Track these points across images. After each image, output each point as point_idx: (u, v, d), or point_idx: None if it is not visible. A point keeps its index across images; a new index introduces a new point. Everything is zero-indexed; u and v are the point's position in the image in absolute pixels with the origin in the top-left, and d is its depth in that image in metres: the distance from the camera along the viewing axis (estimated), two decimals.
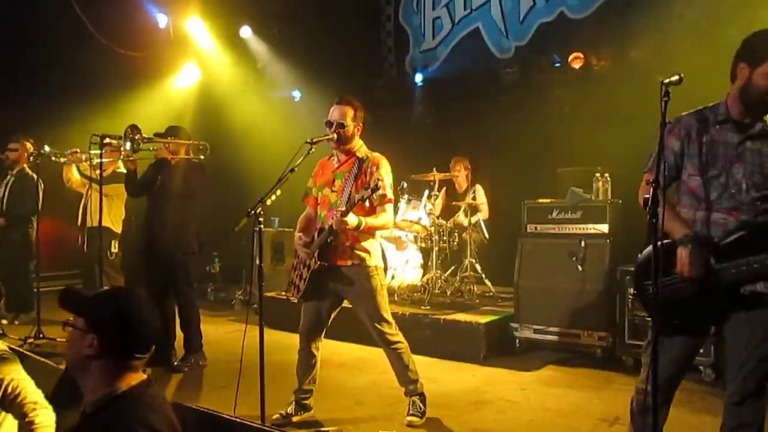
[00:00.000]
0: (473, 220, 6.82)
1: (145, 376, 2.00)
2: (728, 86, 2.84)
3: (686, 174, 2.85)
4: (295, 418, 4.20)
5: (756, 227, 2.70)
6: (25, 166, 6.96)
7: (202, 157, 5.57)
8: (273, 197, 3.61)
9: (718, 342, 4.09)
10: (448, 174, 7.07)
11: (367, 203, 3.93)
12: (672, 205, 2.90)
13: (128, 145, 5.15)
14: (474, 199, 6.92)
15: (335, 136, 4.01)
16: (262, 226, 3.48)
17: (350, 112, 4.05)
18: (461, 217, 6.92)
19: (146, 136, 5.23)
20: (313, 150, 3.76)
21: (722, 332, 2.86)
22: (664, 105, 2.64)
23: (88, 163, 5.64)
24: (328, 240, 3.97)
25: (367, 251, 4.09)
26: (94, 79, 8.26)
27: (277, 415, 4.16)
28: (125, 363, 1.96)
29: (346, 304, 4.26)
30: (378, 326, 4.09)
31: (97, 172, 5.21)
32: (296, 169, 3.64)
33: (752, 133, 2.74)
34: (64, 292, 2.01)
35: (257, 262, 3.46)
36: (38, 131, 7.19)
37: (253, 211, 3.43)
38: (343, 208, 3.86)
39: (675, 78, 2.66)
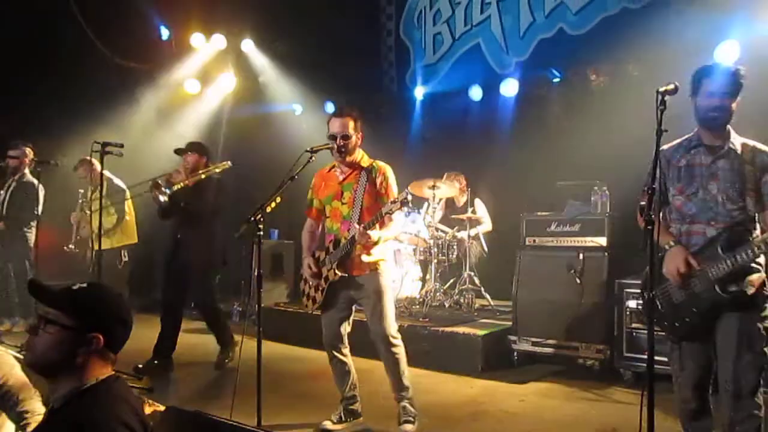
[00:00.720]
0: (472, 233, 6.83)
1: (112, 370, 1.98)
2: None
3: (671, 195, 3.22)
4: (342, 425, 4.24)
5: (731, 233, 3.02)
6: (26, 171, 6.98)
7: (217, 170, 5.76)
8: (273, 204, 3.63)
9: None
10: (447, 185, 7.08)
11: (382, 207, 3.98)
12: (665, 224, 3.27)
13: (162, 198, 5.38)
14: (474, 212, 6.93)
15: (341, 148, 4.05)
16: (261, 232, 3.50)
17: (351, 123, 4.09)
18: (460, 233, 6.91)
19: (166, 186, 5.37)
20: (313, 158, 3.80)
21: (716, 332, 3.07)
22: (660, 113, 2.69)
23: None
24: (347, 251, 4.02)
25: (382, 259, 4.17)
26: (96, 89, 8.32)
27: (327, 422, 4.19)
28: (109, 358, 1.96)
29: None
30: (383, 325, 4.08)
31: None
32: (297, 176, 3.67)
33: (721, 153, 3.10)
34: (39, 287, 1.94)
35: (257, 268, 3.47)
36: (41, 140, 7.23)
37: (253, 218, 3.45)
38: (360, 222, 3.94)
39: (671, 87, 2.72)
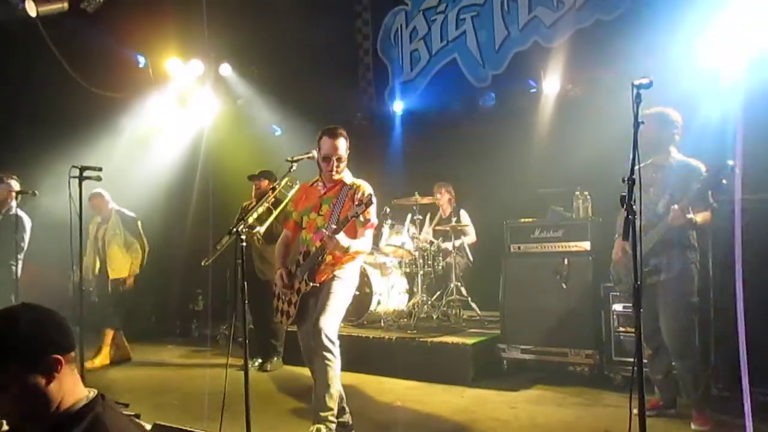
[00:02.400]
0: (457, 243, 6.84)
1: (93, 392, 1.77)
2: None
3: None
4: None
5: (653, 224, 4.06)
6: (12, 204, 6.86)
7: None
8: (255, 215, 3.61)
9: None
10: (431, 198, 7.12)
11: (356, 222, 3.96)
12: None
13: (260, 229, 5.70)
14: (458, 222, 6.95)
15: (335, 169, 4.08)
16: (245, 243, 3.47)
17: (344, 144, 4.14)
18: (445, 244, 6.93)
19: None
20: (294, 168, 3.79)
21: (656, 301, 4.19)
22: (636, 106, 2.72)
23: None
24: (318, 260, 4.00)
25: (346, 270, 4.14)
26: (73, 118, 8.27)
27: None
28: (67, 377, 1.73)
29: None
30: (320, 322, 3.94)
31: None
32: (279, 187, 3.66)
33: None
34: None
35: (241, 278, 3.43)
36: (17, 170, 7.14)
37: (235, 229, 3.42)
38: (334, 226, 3.88)
39: (645, 80, 2.75)
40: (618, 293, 5.13)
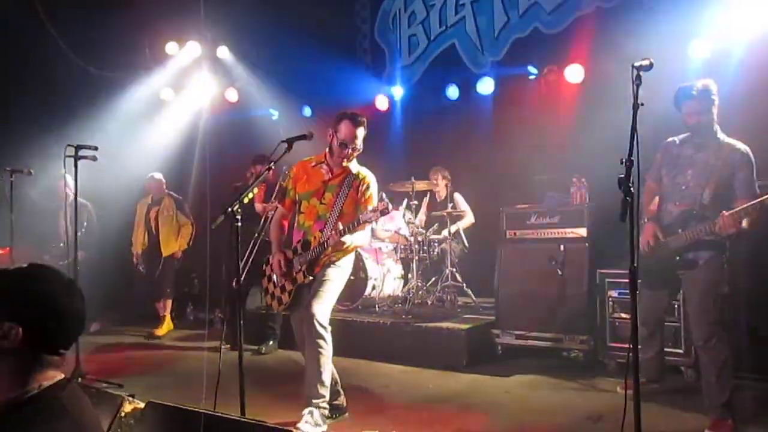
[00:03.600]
0: (452, 229, 6.82)
1: (62, 375, 1.65)
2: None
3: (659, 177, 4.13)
4: (328, 421, 4.05)
5: (693, 213, 3.88)
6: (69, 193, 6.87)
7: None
8: (250, 195, 3.58)
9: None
10: (427, 183, 7.09)
11: (358, 212, 3.99)
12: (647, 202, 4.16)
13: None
14: (454, 207, 6.93)
15: (349, 156, 4.06)
16: (240, 224, 3.44)
17: (362, 132, 4.08)
18: (443, 232, 6.90)
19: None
20: (289, 150, 3.75)
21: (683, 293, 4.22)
22: (636, 88, 2.70)
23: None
24: (318, 254, 4.00)
25: (341, 260, 4.14)
26: (71, 98, 8.22)
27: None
28: (46, 359, 1.61)
29: None
30: (314, 307, 3.94)
31: None
32: (273, 167, 3.63)
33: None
34: None
35: (236, 257, 3.41)
36: (15, 148, 7.11)
37: (230, 209, 3.39)
38: (340, 227, 3.90)
39: (646, 62, 2.73)
40: (615, 280, 5.12)
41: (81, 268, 6.10)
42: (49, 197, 7.28)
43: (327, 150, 4.16)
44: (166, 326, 7.79)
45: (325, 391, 3.98)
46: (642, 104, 2.71)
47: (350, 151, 4.05)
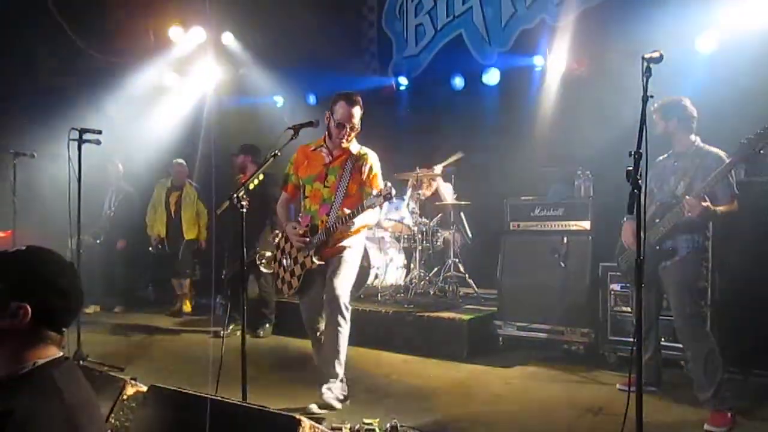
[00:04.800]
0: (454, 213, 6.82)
1: (60, 353, 1.66)
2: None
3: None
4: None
5: (668, 205, 4.07)
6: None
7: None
8: (255, 182, 3.58)
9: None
10: (429, 173, 7.05)
11: (364, 194, 4.03)
12: None
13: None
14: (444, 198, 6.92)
15: (346, 136, 4.04)
16: (245, 210, 3.44)
17: (359, 112, 4.08)
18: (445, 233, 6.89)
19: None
20: (295, 136, 3.75)
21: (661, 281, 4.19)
22: (645, 80, 2.68)
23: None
24: (326, 239, 4.02)
25: (354, 239, 4.17)
26: (75, 83, 8.20)
27: (313, 404, 4.02)
28: (49, 336, 1.64)
29: None
30: (337, 287, 3.99)
31: None
32: (279, 153, 3.63)
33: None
34: None
35: (242, 244, 3.42)
36: (18, 132, 7.10)
37: (235, 195, 3.40)
38: (347, 212, 3.91)
39: (656, 54, 2.71)
40: (618, 273, 5.12)
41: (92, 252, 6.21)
42: (52, 180, 7.28)
43: (326, 133, 4.17)
44: (186, 306, 8.20)
45: (341, 369, 4.08)
46: (652, 96, 2.69)
47: (348, 130, 4.05)
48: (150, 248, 8.21)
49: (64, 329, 1.69)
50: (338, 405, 4.04)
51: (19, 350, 1.59)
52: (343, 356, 4.07)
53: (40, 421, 1.50)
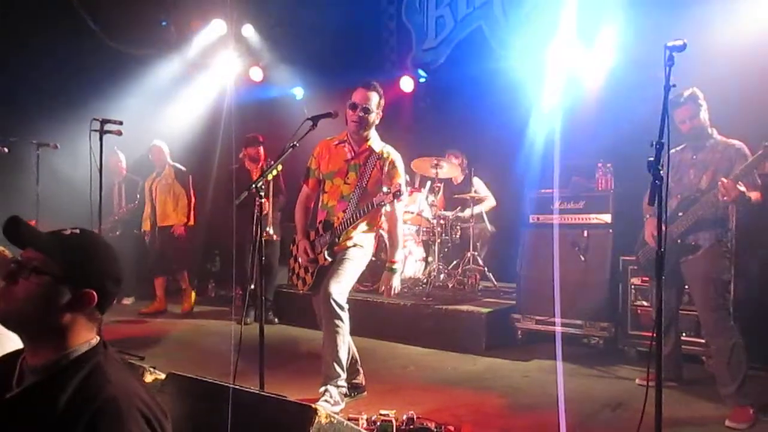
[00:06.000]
0: (476, 211, 6.78)
1: (96, 339, 1.63)
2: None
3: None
4: (346, 399, 4.08)
5: (691, 198, 4.04)
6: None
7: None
8: (274, 172, 3.59)
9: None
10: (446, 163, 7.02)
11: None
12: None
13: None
14: (476, 192, 6.88)
15: (359, 120, 3.97)
16: (263, 201, 3.45)
17: (376, 98, 4.01)
18: (465, 211, 6.87)
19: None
20: (314, 127, 3.75)
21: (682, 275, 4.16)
22: (668, 69, 2.64)
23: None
24: (339, 236, 4.02)
25: (363, 237, 4.14)
26: (95, 74, 8.26)
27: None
28: (98, 319, 1.63)
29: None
30: (331, 285, 3.91)
31: None
32: (297, 145, 3.63)
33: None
34: (17, 222, 1.58)
35: (257, 234, 3.42)
36: (40, 124, 7.18)
37: (254, 186, 3.40)
38: (358, 206, 3.96)
39: (679, 42, 2.66)
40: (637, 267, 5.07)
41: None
42: (74, 170, 7.36)
43: (347, 126, 4.13)
44: (155, 305, 7.56)
45: (341, 369, 3.98)
46: (674, 85, 2.65)
47: (360, 113, 3.96)
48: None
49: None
50: (337, 409, 3.93)
51: (65, 333, 1.56)
52: (342, 355, 3.96)
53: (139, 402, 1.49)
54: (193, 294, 7.81)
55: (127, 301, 8.09)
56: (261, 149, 7.00)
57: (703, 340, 4.71)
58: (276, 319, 6.85)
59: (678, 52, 2.70)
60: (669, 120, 2.59)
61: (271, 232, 6.67)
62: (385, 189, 3.88)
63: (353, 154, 4.10)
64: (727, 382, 3.87)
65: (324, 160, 4.19)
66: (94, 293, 1.57)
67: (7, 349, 1.74)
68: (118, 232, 8.09)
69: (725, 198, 3.77)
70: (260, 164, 6.98)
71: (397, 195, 3.76)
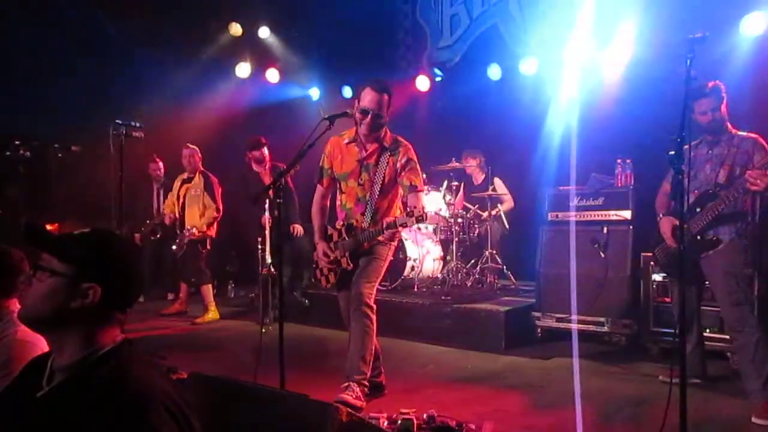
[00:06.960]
0: (493, 211, 6.76)
1: (122, 336, 1.68)
2: None
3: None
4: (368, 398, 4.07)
5: (710, 193, 3.98)
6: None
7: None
8: (292, 172, 3.60)
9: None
10: (461, 164, 7.03)
11: (402, 187, 4.06)
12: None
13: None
14: (494, 191, 6.86)
15: (372, 125, 3.95)
16: (282, 200, 3.47)
17: (387, 101, 3.96)
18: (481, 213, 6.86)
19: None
20: (331, 127, 3.76)
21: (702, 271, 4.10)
22: (689, 61, 2.62)
23: None
24: (362, 241, 4.02)
25: (386, 237, 4.12)
26: (114, 76, 8.35)
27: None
28: (115, 317, 1.67)
29: None
30: (361, 290, 3.95)
31: None
32: (315, 144, 3.64)
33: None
34: (32, 227, 1.67)
35: (277, 233, 3.44)
36: (61, 128, 7.27)
37: (273, 185, 3.42)
38: (375, 205, 4.01)
39: (700, 34, 2.64)
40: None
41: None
42: (95, 173, 7.43)
43: (357, 126, 4.09)
44: (176, 308, 7.59)
45: (366, 369, 3.99)
46: (695, 79, 2.62)
47: (372, 117, 3.92)
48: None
49: (128, 309, 1.71)
50: (358, 404, 3.91)
51: (87, 331, 1.60)
52: (369, 354, 3.98)
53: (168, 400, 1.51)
54: (213, 311, 7.28)
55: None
56: (265, 150, 6.98)
57: (726, 336, 4.67)
58: (306, 301, 6.89)
59: (699, 44, 2.67)
60: (689, 114, 2.56)
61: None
62: (405, 182, 3.95)
63: (365, 152, 4.09)
64: (752, 377, 3.83)
65: (336, 160, 4.18)
66: (98, 288, 1.60)
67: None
68: (158, 235, 8.10)
69: (755, 188, 3.70)
70: (266, 165, 6.97)
71: (420, 219, 3.71)
